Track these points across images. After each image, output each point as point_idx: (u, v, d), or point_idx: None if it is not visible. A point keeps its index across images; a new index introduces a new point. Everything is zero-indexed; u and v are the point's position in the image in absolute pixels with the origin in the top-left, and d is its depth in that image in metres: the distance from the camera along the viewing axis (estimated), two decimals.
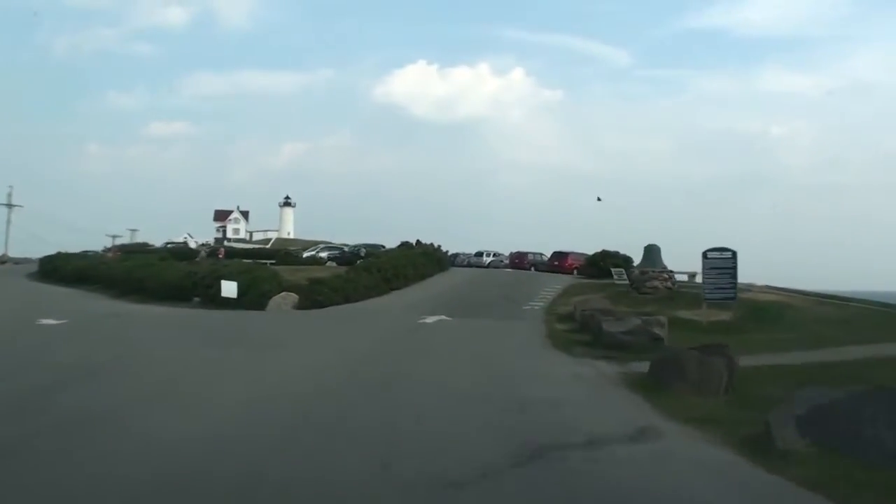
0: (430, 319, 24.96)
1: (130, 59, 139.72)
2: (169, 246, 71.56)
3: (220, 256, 52.13)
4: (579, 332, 21.54)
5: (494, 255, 67.64)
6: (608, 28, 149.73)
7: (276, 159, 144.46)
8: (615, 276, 38.57)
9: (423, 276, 38.99)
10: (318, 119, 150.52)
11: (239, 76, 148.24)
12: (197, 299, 33.50)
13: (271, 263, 46.22)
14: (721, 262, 23.68)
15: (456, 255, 71.78)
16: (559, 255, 55.89)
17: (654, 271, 33.70)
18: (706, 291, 23.91)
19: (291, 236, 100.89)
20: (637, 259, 37.04)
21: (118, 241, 76.94)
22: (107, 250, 69.17)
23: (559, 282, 39.34)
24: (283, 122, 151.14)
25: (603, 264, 45.02)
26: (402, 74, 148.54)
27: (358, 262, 40.94)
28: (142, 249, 66.51)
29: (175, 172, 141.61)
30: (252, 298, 31.44)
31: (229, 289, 31.47)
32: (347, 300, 32.20)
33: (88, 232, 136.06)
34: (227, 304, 30.65)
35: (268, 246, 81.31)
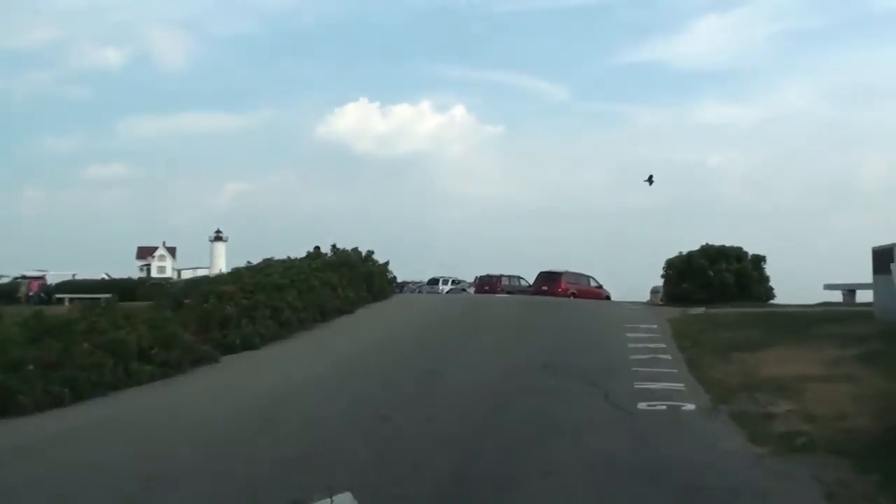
0: None
1: (66, 102, 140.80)
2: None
3: (32, 293, 34.58)
4: None
5: (454, 281, 50.59)
6: (546, 64, 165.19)
7: (218, 199, 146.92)
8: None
9: (334, 312, 19.72)
10: (259, 158, 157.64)
11: (178, 117, 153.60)
12: None
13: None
14: None
15: (404, 284, 54.75)
16: (549, 278, 38.83)
17: None
18: None
19: (224, 273, 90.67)
20: None
21: None
22: None
23: (639, 317, 21.23)
24: (224, 163, 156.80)
25: (713, 271, 27.16)
26: (344, 112, 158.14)
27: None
28: None
29: (113, 214, 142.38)
30: None
31: None
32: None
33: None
34: None
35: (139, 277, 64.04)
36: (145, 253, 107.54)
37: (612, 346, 15.74)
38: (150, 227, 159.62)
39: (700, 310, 22.13)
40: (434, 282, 51.96)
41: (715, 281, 26.67)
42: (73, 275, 61.38)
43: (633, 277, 40.63)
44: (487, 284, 43.39)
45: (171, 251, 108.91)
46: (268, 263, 20.02)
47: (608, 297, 40.04)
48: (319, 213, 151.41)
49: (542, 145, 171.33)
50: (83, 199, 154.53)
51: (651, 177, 29.76)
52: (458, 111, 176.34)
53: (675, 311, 22.26)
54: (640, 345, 15.76)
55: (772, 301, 27.48)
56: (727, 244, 28.91)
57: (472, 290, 46.64)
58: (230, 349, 15.28)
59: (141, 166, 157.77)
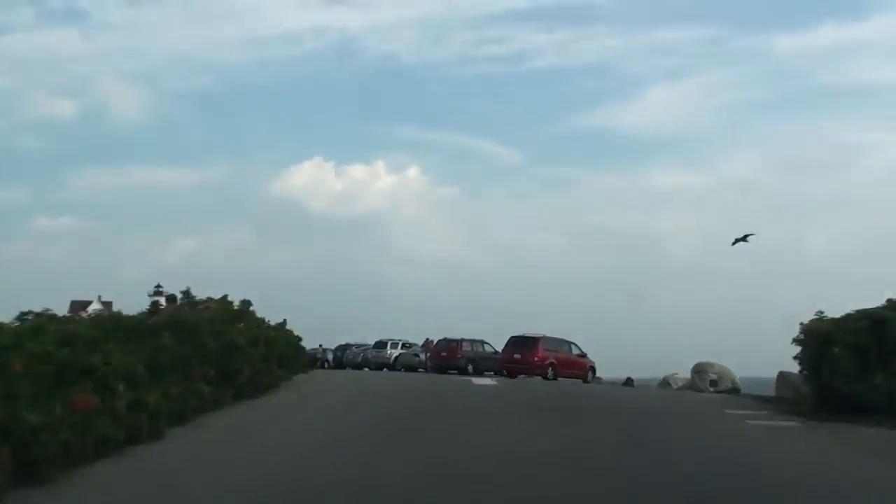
0: None
1: (15, 153, 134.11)
2: None
3: None
4: None
5: (405, 345, 41.98)
6: (500, 127, 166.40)
7: (167, 255, 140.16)
8: None
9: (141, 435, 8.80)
10: (212, 215, 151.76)
11: (130, 171, 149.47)
12: None
13: None
14: None
15: (345, 348, 46.28)
16: (522, 344, 30.51)
17: None
18: None
19: None
20: None
21: None
22: None
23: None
24: (176, 218, 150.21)
25: None
26: (299, 170, 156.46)
27: None
28: None
29: (54, 267, 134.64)
30: None
31: None
32: None
33: None
34: None
35: None
36: (78, 307, 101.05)
37: None
38: (91, 281, 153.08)
39: None
40: (381, 345, 43.25)
41: None
42: None
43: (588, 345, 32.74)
44: (446, 350, 34.91)
45: (107, 305, 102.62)
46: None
47: (593, 369, 31.97)
48: (272, 271, 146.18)
49: (496, 208, 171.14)
50: (26, 251, 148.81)
51: (746, 236, 20.99)
52: (413, 172, 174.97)
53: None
54: None
55: None
56: None
57: (423, 355, 38.09)
58: None
59: (90, 219, 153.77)
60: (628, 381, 31.39)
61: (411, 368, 39.24)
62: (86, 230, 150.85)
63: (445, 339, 35.78)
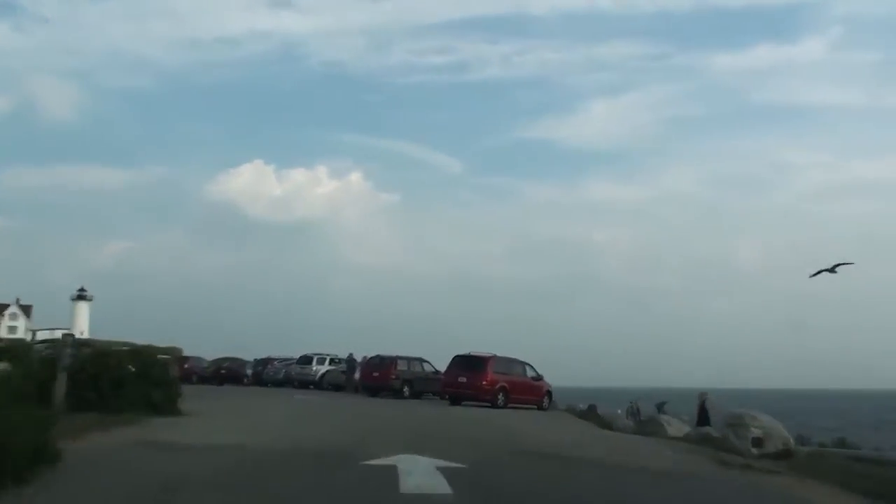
0: None
1: None
2: None
3: None
4: None
5: (333, 360, 36.78)
6: (442, 137, 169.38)
7: (97, 257, 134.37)
8: None
9: None
10: (146, 217, 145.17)
11: (61, 170, 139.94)
12: None
13: None
14: None
15: (266, 363, 40.77)
16: (469, 364, 25.56)
17: None
18: None
19: (85, 335, 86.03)
20: None
21: None
22: None
23: None
24: (108, 220, 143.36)
25: None
26: (237, 174, 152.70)
27: None
28: None
29: None
30: None
31: None
32: None
33: None
34: None
35: None
36: None
37: None
38: (13, 283, 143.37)
39: None
40: (306, 360, 37.91)
41: None
42: None
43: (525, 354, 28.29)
44: (378, 370, 29.77)
45: (26, 310, 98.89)
46: None
47: (549, 394, 27.43)
48: (207, 275, 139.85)
49: (437, 215, 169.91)
50: None
51: (835, 266, 17.03)
52: (355, 177, 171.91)
53: None
54: None
55: None
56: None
57: (357, 373, 32.85)
58: None
59: (15, 219, 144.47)
60: (591, 409, 26.90)
61: (340, 388, 34.11)
62: (10, 230, 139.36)
63: (378, 357, 30.65)
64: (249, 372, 43.47)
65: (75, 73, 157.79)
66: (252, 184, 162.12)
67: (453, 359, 26.11)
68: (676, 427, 15.80)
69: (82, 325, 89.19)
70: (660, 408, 28.59)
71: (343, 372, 34.56)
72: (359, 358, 33.99)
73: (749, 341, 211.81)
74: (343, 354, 35.85)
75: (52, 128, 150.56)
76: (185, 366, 48.20)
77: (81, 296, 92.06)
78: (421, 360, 30.16)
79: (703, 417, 21.61)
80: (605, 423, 20.48)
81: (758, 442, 10.42)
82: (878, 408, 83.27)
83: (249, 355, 46.83)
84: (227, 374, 45.79)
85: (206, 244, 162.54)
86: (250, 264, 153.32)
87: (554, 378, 27.33)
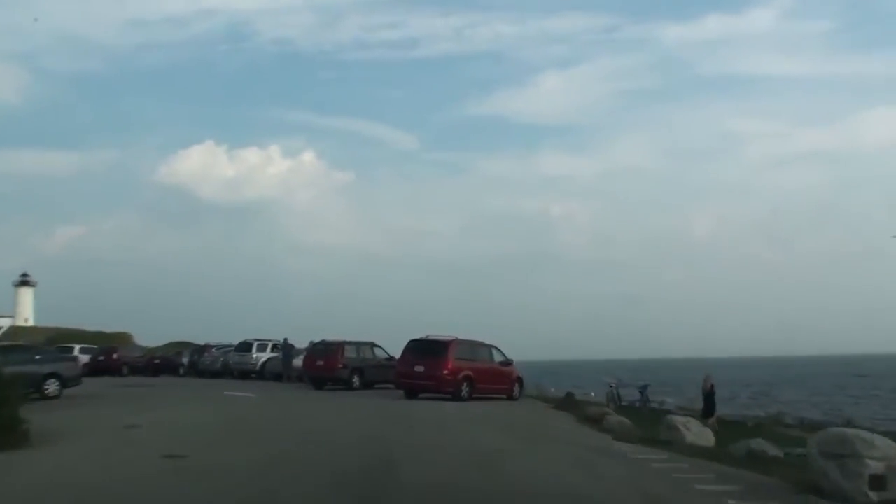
0: None
1: None
2: None
3: None
4: None
5: (277, 346, 32.81)
6: (395, 113, 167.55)
7: (47, 243, 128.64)
8: None
9: None
10: (95, 201, 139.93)
11: (6, 154, 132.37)
12: None
13: None
14: None
15: (203, 350, 36.54)
16: (427, 350, 21.93)
17: None
18: None
19: (30, 323, 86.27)
20: None
21: None
22: None
23: None
24: (56, 204, 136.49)
25: None
26: (188, 155, 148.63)
27: None
28: None
29: None
30: None
31: None
32: None
33: None
34: None
35: None
36: None
37: None
38: None
39: None
40: (245, 347, 33.90)
41: None
42: None
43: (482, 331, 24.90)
44: (322, 358, 25.89)
45: None
46: None
47: (520, 380, 24.09)
48: (159, 259, 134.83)
49: (392, 192, 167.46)
50: None
51: None
52: (308, 156, 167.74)
53: None
54: None
55: None
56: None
57: (299, 359, 28.89)
58: None
59: None
60: (569, 398, 23.59)
61: (281, 378, 30.24)
62: None
63: (323, 343, 26.74)
64: (185, 361, 39.25)
65: (19, 55, 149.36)
66: (204, 165, 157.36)
67: (408, 344, 22.44)
68: (696, 431, 12.32)
69: (26, 311, 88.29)
70: (643, 392, 25.53)
71: (285, 361, 30.62)
72: (304, 344, 30.05)
73: (705, 311, 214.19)
74: (296, 340, 31.86)
75: None
76: (114, 356, 43.81)
77: (24, 281, 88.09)
78: (372, 346, 26.41)
79: (709, 406, 18.52)
80: (592, 418, 17.06)
81: (878, 482, 6.64)
82: (838, 374, 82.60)
83: (203, 340, 42.76)
84: (161, 364, 41.52)
85: (158, 228, 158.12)
86: (203, 247, 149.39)
87: (513, 353, 23.85)
